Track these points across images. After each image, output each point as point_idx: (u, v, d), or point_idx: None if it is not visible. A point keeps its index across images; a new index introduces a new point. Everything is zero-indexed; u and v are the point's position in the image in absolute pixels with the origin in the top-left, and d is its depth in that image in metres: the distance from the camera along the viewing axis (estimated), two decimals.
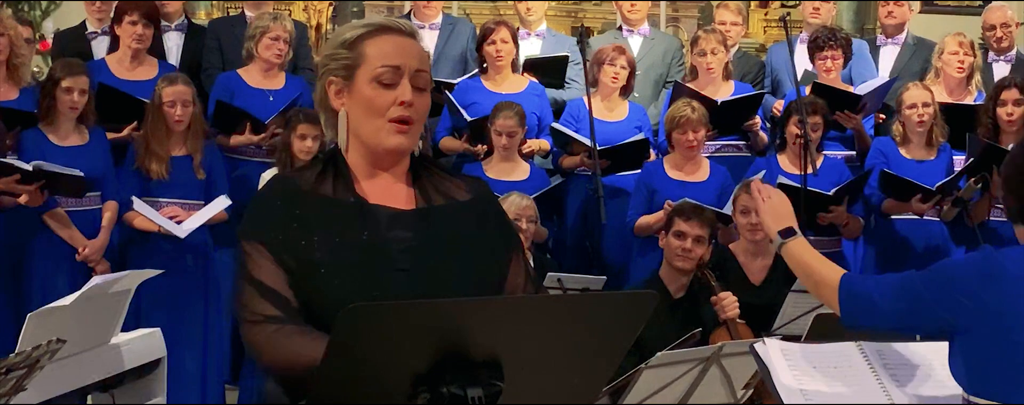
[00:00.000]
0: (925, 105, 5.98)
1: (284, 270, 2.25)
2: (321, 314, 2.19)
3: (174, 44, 6.62)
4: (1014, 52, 6.84)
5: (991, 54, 6.86)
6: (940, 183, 5.82)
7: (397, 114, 2.30)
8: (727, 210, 5.58)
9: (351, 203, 2.31)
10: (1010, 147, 4.49)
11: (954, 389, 2.80)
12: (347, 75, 2.33)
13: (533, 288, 2.50)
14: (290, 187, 2.33)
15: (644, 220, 5.86)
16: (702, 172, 5.99)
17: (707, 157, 6.14)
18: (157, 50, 6.31)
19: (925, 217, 5.99)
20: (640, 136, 6.16)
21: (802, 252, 3.03)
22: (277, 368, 2.23)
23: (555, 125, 6.26)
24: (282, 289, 2.24)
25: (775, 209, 3.13)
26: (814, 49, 6.41)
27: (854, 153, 6.37)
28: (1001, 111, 5.90)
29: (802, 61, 6.64)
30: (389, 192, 2.35)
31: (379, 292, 2.22)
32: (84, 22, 6.62)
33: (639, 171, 6.18)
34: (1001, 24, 6.76)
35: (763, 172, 5.87)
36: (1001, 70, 6.73)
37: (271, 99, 6.13)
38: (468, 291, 2.26)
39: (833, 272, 2.92)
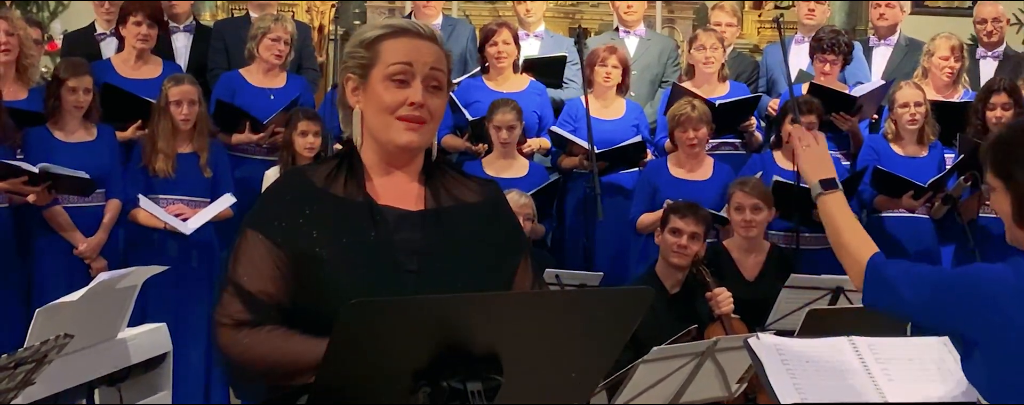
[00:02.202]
0: (917, 104, 6.03)
1: (278, 265, 2.26)
2: (328, 313, 2.16)
3: (182, 45, 6.65)
4: (1002, 48, 6.94)
5: (980, 49, 6.97)
6: (931, 180, 5.87)
7: (406, 113, 2.31)
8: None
9: (359, 203, 2.32)
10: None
11: (945, 384, 2.82)
12: (363, 74, 2.35)
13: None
14: (302, 182, 2.34)
15: (647, 217, 5.87)
16: (705, 170, 6.01)
17: (709, 154, 6.16)
18: (164, 51, 6.35)
19: (916, 213, 6.05)
20: (637, 138, 6.18)
21: (838, 211, 2.88)
22: (234, 364, 2.25)
23: (553, 128, 6.28)
24: (259, 290, 2.25)
25: (814, 157, 2.97)
26: (816, 50, 6.44)
27: (848, 160, 6.38)
28: (990, 114, 5.96)
29: (796, 61, 6.68)
30: (400, 192, 2.36)
31: (387, 293, 2.21)
32: (93, 23, 6.65)
33: (637, 169, 6.23)
34: (992, 19, 6.90)
35: (760, 173, 5.91)
36: (988, 65, 6.83)
37: (272, 98, 6.17)
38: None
39: (865, 248, 2.78)
